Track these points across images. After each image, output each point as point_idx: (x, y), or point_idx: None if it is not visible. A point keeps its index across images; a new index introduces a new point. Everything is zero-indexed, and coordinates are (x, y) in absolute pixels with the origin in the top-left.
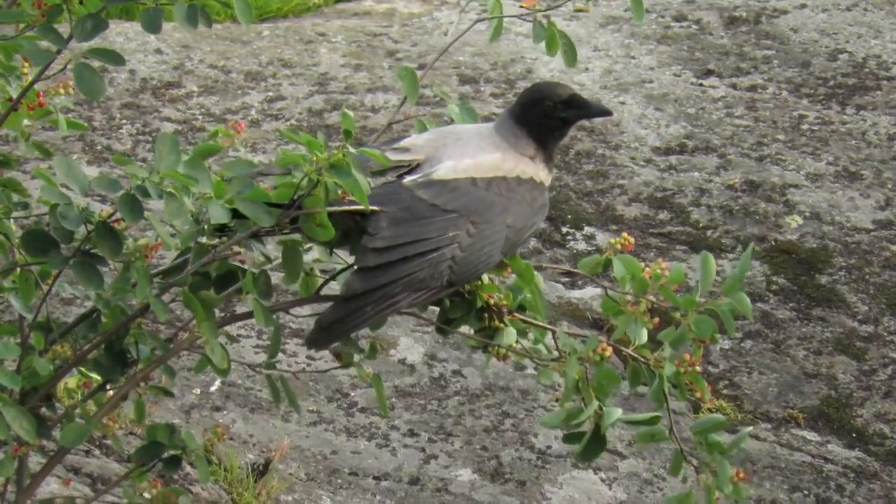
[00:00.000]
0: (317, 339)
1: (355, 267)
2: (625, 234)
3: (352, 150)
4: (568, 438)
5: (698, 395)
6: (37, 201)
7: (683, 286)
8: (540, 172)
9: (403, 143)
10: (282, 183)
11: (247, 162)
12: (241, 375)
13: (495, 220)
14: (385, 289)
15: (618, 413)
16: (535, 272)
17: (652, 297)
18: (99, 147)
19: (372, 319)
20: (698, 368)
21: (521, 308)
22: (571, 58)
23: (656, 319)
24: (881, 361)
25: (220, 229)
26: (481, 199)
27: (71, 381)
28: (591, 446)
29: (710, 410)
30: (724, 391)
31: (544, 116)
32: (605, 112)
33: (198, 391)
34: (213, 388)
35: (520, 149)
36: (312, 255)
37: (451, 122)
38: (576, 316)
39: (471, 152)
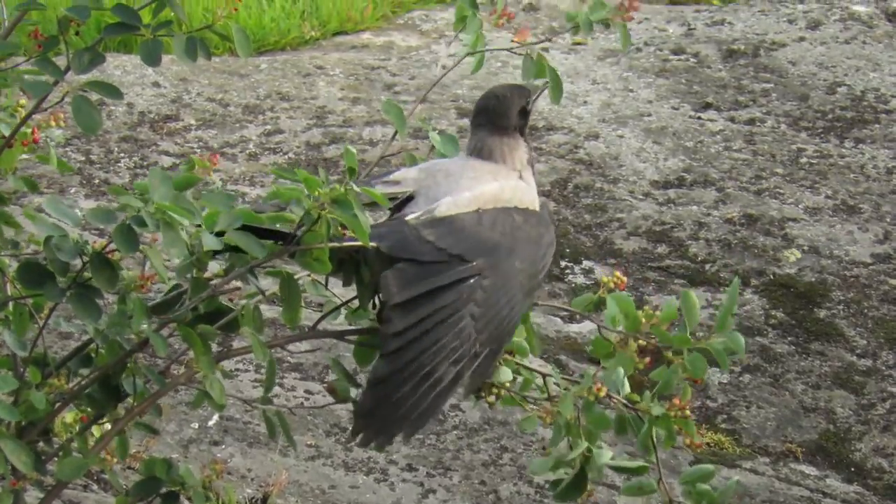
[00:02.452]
0: (360, 430)
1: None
2: (617, 273)
3: (355, 186)
4: (556, 485)
5: (688, 441)
6: (28, 240)
7: (678, 323)
8: (532, 190)
9: (393, 176)
10: (276, 216)
11: (224, 193)
12: (239, 410)
13: (502, 264)
14: (412, 365)
15: (607, 456)
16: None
17: (642, 340)
18: (96, 181)
19: (420, 404)
20: (688, 412)
21: (510, 352)
22: (557, 93)
23: (647, 359)
24: (880, 395)
25: (214, 255)
26: (486, 240)
27: (68, 415)
28: (570, 488)
29: (708, 445)
30: (723, 425)
31: (517, 120)
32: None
33: (196, 425)
34: (211, 423)
35: (505, 164)
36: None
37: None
38: (574, 350)
39: (466, 184)
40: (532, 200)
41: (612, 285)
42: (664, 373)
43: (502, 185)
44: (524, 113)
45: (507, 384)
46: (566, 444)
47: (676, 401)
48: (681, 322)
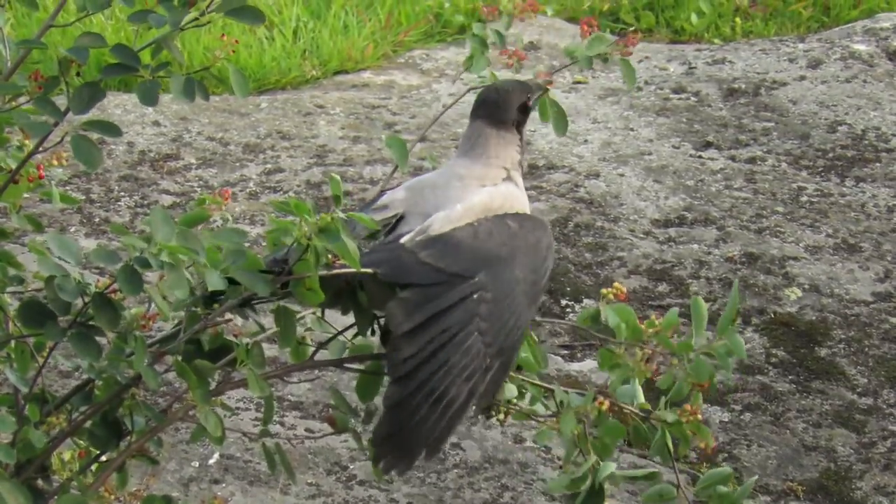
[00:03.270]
0: (381, 456)
1: (389, 378)
2: (616, 284)
3: (341, 214)
4: (571, 500)
5: (703, 444)
6: (33, 277)
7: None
8: (522, 193)
9: (381, 201)
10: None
11: (235, 230)
12: (239, 448)
13: (503, 275)
14: (426, 387)
15: (612, 467)
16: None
17: (647, 349)
18: (97, 219)
19: (438, 424)
20: (700, 416)
21: (518, 367)
22: (562, 126)
23: (654, 367)
24: (881, 434)
25: (213, 299)
26: (484, 253)
27: (66, 452)
28: (588, 502)
29: None
30: (724, 463)
31: (516, 115)
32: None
33: (196, 464)
34: (211, 461)
35: (494, 163)
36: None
37: None
38: (575, 388)
39: (456, 195)
40: (523, 205)
41: (611, 297)
42: (669, 379)
43: (491, 192)
44: (525, 109)
45: (514, 400)
46: (581, 458)
47: (688, 406)
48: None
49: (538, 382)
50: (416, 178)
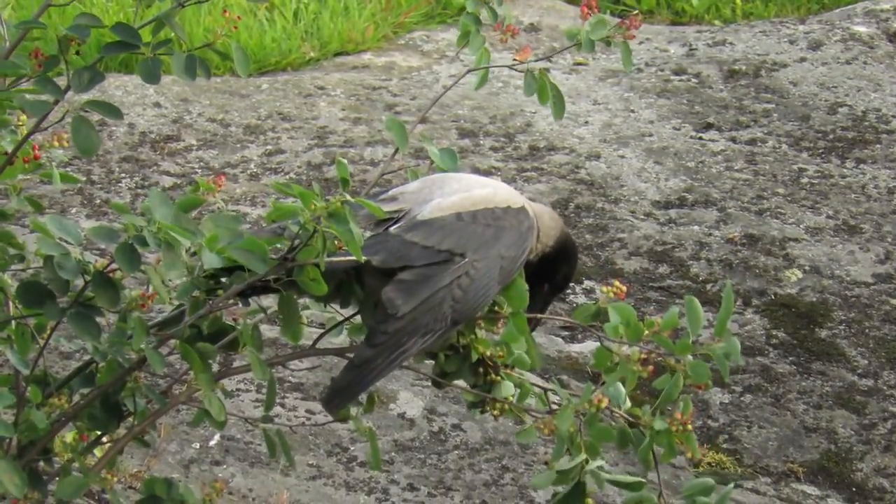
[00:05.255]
0: (332, 401)
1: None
2: (616, 283)
3: (349, 198)
4: (556, 497)
5: (689, 454)
6: (35, 254)
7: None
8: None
9: (391, 192)
10: (273, 239)
11: (232, 216)
12: (240, 430)
13: (489, 253)
14: (395, 346)
15: (599, 463)
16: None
17: (645, 354)
18: (98, 201)
19: (384, 372)
20: (689, 427)
21: (512, 366)
22: (560, 110)
23: (650, 368)
24: (881, 415)
25: (214, 281)
26: (471, 234)
27: (68, 434)
28: (570, 499)
29: (709, 465)
30: (724, 445)
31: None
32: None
33: (197, 445)
34: (212, 443)
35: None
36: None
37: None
38: (575, 370)
39: (463, 188)
40: (524, 204)
41: (611, 295)
42: (667, 381)
43: (496, 189)
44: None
45: (510, 397)
46: (568, 457)
47: (678, 415)
48: (683, 331)
49: (535, 382)
50: (438, 174)
